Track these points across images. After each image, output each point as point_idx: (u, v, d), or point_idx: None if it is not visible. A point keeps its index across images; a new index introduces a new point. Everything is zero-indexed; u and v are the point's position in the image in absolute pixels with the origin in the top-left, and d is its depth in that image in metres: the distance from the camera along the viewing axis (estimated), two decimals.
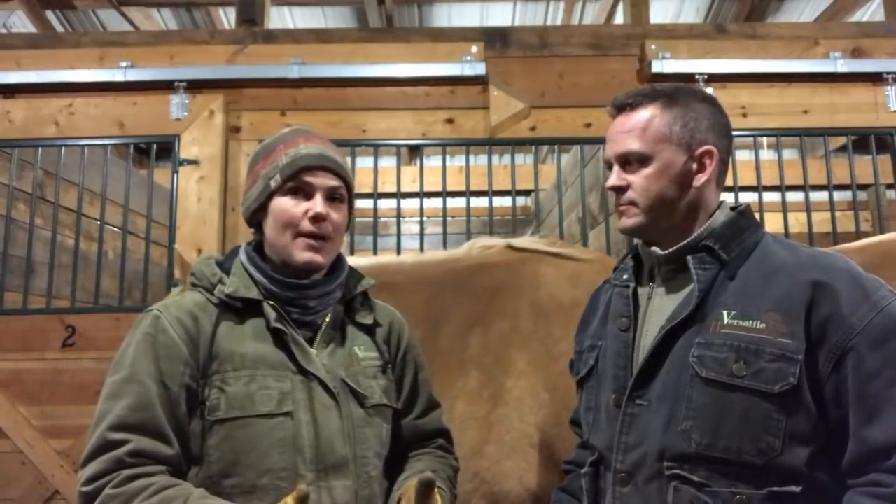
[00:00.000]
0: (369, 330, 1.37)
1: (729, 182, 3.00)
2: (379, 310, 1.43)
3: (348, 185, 1.32)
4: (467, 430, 1.68)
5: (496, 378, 1.74)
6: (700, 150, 1.19)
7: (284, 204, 1.26)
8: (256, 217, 1.32)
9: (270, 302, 1.25)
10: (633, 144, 1.19)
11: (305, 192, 1.26)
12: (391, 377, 1.37)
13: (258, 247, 1.34)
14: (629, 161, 1.20)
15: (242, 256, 1.32)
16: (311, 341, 1.27)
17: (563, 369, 1.74)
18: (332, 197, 1.28)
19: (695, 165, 1.19)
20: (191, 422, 1.17)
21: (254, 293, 1.25)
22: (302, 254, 1.24)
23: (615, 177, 1.22)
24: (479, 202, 5.07)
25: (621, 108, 1.24)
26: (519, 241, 2.07)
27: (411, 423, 1.39)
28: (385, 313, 1.44)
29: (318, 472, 1.18)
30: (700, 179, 1.19)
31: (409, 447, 1.38)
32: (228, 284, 1.26)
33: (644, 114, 1.20)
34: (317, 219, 1.24)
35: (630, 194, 1.20)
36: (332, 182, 1.28)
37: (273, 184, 1.26)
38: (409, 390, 1.40)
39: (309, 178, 1.26)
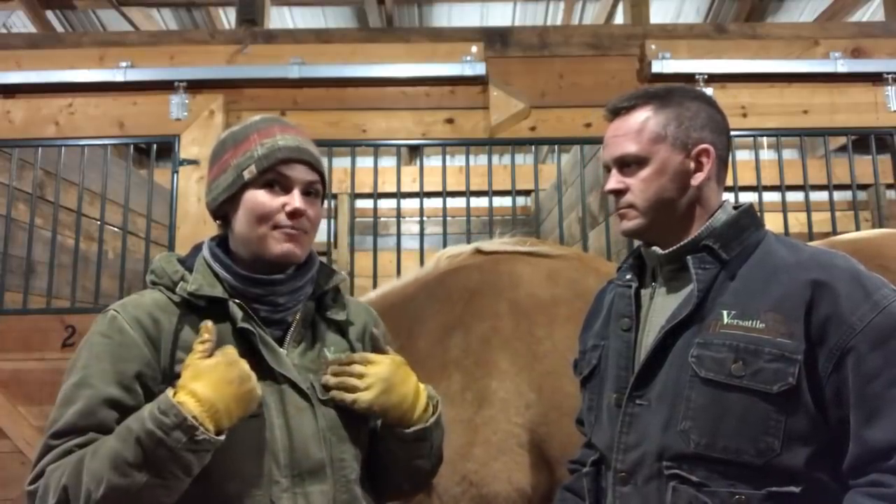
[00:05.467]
0: (342, 328, 1.31)
1: (729, 182, 3.01)
2: (352, 306, 1.37)
3: (324, 179, 1.27)
4: (452, 433, 1.66)
5: (479, 380, 1.73)
6: (697, 148, 1.19)
7: (260, 197, 1.18)
8: (223, 209, 1.24)
9: (237, 301, 1.18)
10: (630, 147, 1.19)
11: (282, 186, 1.19)
12: None
13: (222, 242, 1.27)
14: (626, 164, 1.21)
15: (205, 252, 1.24)
16: (280, 340, 1.21)
17: (549, 369, 1.73)
18: (307, 192, 1.22)
19: (692, 164, 1.19)
20: None
21: (218, 291, 1.18)
22: (279, 245, 1.18)
23: (613, 180, 1.22)
24: (479, 202, 5.07)
25: (616, 111, 1.24)
26: (487, 245, 2.05)
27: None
28: (358, 310, 1.38)
29: (293, 477, 1.13)
30: (698, 178, 1.19)
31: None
32: (191, 282, 1.17)
33: (639, 116, 1.21)
34: (295, 214, 1.18)
35: (629, 197, 1.20)
36: (310, 176, 1.22)
37: (247, 175, 1.18)
38: None
39: (287, 172, 1.19)
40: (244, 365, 1.07)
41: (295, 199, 1.19)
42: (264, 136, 1.21)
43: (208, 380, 1.03)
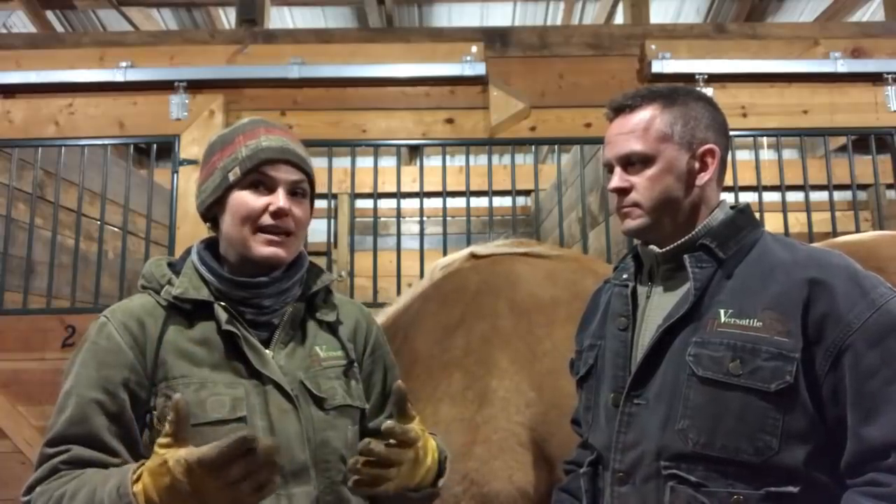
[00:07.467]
0: (332, 328, 1.31)
1: (729, 182, 3.03)
2: (343, 306, 1.37)
3: (310, 179, 1.27)
4: (454, 432, 1.67)
5: (480, 379, 1.73)
6: (702, 148, 1.20)
7: (244, 198, 1.20)
8: (212, 211, 1.26)
9: (222, 303, 1.19)
10: (636, 145, 1.19)
11: (266, 186, 1.21)
12: (358, 376, 1.31)
13: (211, 245, 1.29)
14: (631, 162, 1.20)
15: (193, 256, 1.25)
16: (267, 342, 1.22)
17: (548, 368, 1.74)
18: (293, 192, 1.23)
19: (697, 164, 1.20)
20: (141, 432, 1.13)
21: (204, 294, 1.19)
22: (263, 248, 1.19)
23: (618, 178, 1.21)
24: (479, 202, 5.07)
25: (619, 109, 1.23)
26: (482, 249, 2.05)
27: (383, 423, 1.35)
28: (349, 310, 1.38)
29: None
30: (703, 178, 1.20)
31: None
32: (177, 285, 1.19)
33: (644, 114, 1.20)
34: (279, 214, 1.19)
35: (633, 196, 1.20)
36: (295, 176, 1.22)
37: (232, 177, 1.20)
38: (380, 389, 1.36)
39: (271, 172, 1.20)
40: (178, 471, 0.93)
41: (279, 199, 1.19)
42: (249, 138, 1.23)
43: (152, 478, 0.96)
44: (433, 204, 5.37)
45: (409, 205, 5.85)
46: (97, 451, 1.08)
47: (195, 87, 2.98)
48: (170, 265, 1.27)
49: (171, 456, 0.95)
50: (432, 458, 1.20)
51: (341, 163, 4.54)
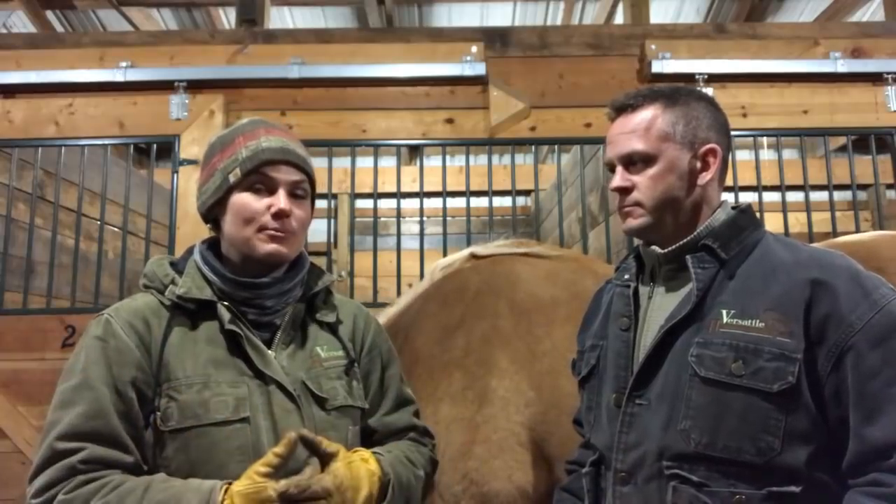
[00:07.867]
0: (332, 328, 1.32)
1: (729, 182, 3.02)
2: (342, 306, 1.37)
3: (311, 179, 1.27)
4: (454, 432, 1.67)
5: (480, 378, 1.74)
6: (704, 148, 1.20)
7: (245, 199, 1.20)
8: (213, 213, 1.26)
9: (225, 303, 1.19)
10: (637, 145, 1.19)
11: (267, 187, 1.21)
12: (358, 375, 1.32)
13: (214, 245, 1.29)
14: (633, 161, 1.20)
15: (196, 256, 1.26)
16: (269, 342, 1.22)
17: (548, 368, 1.74)
18: (294, 192, 1.23)
19: (699, 164, 1.20)
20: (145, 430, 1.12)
21: (207, 294, 1.19)
22: (265, 245, 1.19)
23: (619, 178, 1.22)
24: (479, 202, 5.07)
25: (621, 109, 1.24)
26: (482, 249, 2.05)
27: (380, 420, 1.34)
28: (348, 309, 1.39)
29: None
30: (704, 178, 1.20)
31: (381, 445, 1.31)
32: (180, 285, 1.19)
33: (646, 114, 1.20)
34: (280, 215, 1.19)
35: (635, 195, 1.20)
36: (295, 176, 1.23)
37: (232, 178, 1.20)
38: (377, 387, 1.36)
39: (271, 173, 1.20)
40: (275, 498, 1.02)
41: (280, 200, 1.20)
42: (249, 139, 1.22)
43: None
44: (433, 204, 5.38)
45: (409, 205, 5.85)
46: (113, 449, 1.07)
47: (195, 87, 2.97)
48: (172, 265, 1.27)
49: (272, 486, 1.02)
50: (368, 490, 1.14)
51: (341, 163, 4.54)
